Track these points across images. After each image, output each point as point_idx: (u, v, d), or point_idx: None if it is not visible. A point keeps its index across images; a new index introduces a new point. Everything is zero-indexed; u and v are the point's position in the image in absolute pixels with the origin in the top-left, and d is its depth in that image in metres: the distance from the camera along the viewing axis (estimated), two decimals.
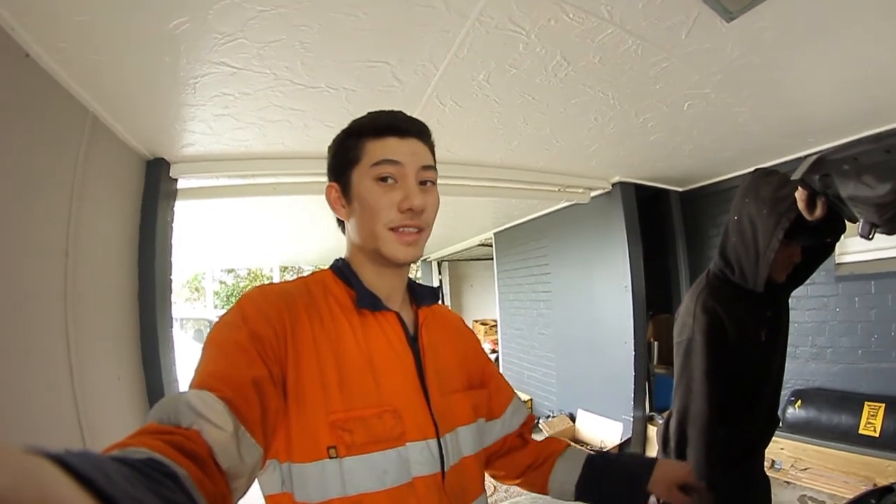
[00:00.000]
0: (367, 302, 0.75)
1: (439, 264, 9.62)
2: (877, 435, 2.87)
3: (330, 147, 0.82)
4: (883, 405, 2.93)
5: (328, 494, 0.63)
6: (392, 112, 0.79)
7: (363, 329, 0.73)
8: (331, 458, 0.64)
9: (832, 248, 1.40)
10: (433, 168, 0.79)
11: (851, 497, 1.27)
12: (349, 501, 0.64)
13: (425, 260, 10.10)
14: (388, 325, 0.76)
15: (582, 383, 4.53)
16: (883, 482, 1.34)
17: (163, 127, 2.17)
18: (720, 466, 1.36)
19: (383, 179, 0.73)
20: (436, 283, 10.24)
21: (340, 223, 0.84)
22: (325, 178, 2.72)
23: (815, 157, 0.95)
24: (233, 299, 13.72)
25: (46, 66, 1.57)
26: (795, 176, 1.01)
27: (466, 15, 1.53)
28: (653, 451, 3.79)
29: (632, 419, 3.83)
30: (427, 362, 0.78)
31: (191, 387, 0.57)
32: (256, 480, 0.63)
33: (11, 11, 1.32)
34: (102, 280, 2.04)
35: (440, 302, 0.90)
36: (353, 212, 0.77)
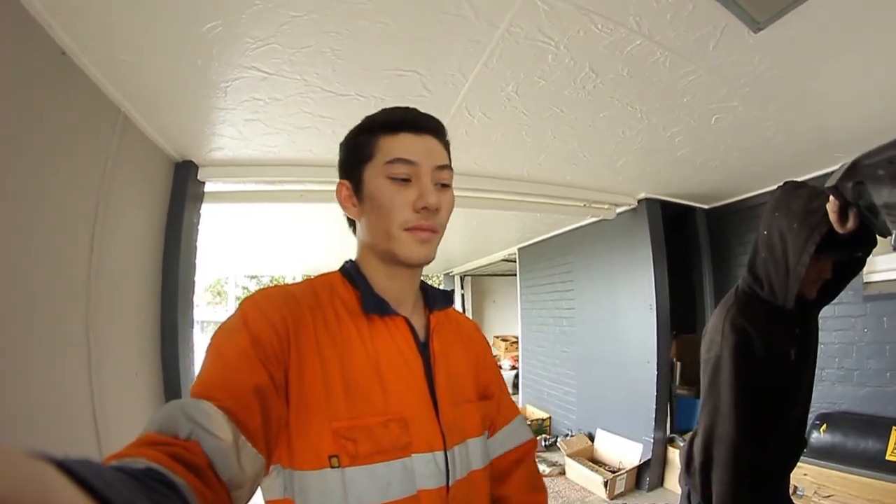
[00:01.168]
0: (374, 306, 0.72)
1: (462, 279, 9.63)
2: None
3: (342, 144, 0.80)
4: None
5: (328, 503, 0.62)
6: (406, 108, 0.76)
7: (371, 334, 0.71)
8: (332, 467, 0.62)
9: (863, 263, 1.36)
10: (448, 167, 0.76)
11: None
12: None
13: (448, 273, 10.13)
14: (396, 330, 0.74)
15: (602, 402, 4.44)
16: None
17: (192, 130, 2.22)
18: (747, 488, 1.31)
19: (398, 178, 0.71)
20: (457, 296, 10.28)
21: (351, 223, 0.81)
22: None
23: (848, 163, 0.92)
24: None
25: (81, 64, 1.61)
26: (829, 183, 0.99)
27: (496, 25, 1.54)
28: (672, 472, 3.69)
29: (652, 440, 3.74)
30: (437, 370, 0.75)
31: (191, 394, 0.57)
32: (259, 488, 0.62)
33: (48, 8, 1.36)
34: (126, 277, 2.08)
35: (453, 306, 0.87)
36: (364, 211, 0.74)
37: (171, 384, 2.32)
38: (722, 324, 1.39)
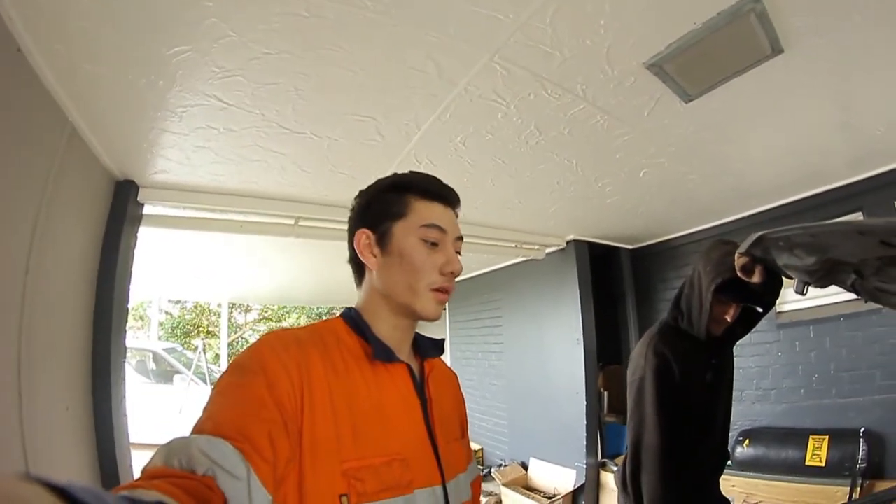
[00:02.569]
0: (382, 354, 0.76)
1: None
2: (823, 465, 3.07)
3: (363, 192, 0.85)
4: (827, 437, 3.15)
5: None
6: (437, 179, 0.85)
7: (375, 379, 0.75)
8: None
9: (772, 307, 1.59)
10: (462, 239, 0.86)
11: None
12: None
13: None
14: (399, 375, 0.79)
15: (534, 432, 4.56)
16: None
17: (140, 149, 2.13)
18: (674, 491, 1.48)
19: (429, 241, 0.78)
20: None
21: (358, 270, 0.86)
22: (290, 220, 2.70)
23: (756, 235, 1.14)
24: (178, 331, 12.92)
25: (36, 66, 1.49)
26: (741, 250, 1.20)
27: (456, 83, 1.67)
28: (605, 495, 3.87)
29: (585, 466, 3.91)
30: (433, 412, 0.81)
31: (201, 431, 0.57)
32: None
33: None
34: (60, 302, 1.93)
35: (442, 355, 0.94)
36: (388, 263, 0.79)
37: (101, 418, 2.15)
38: (646, 350, 1.60)
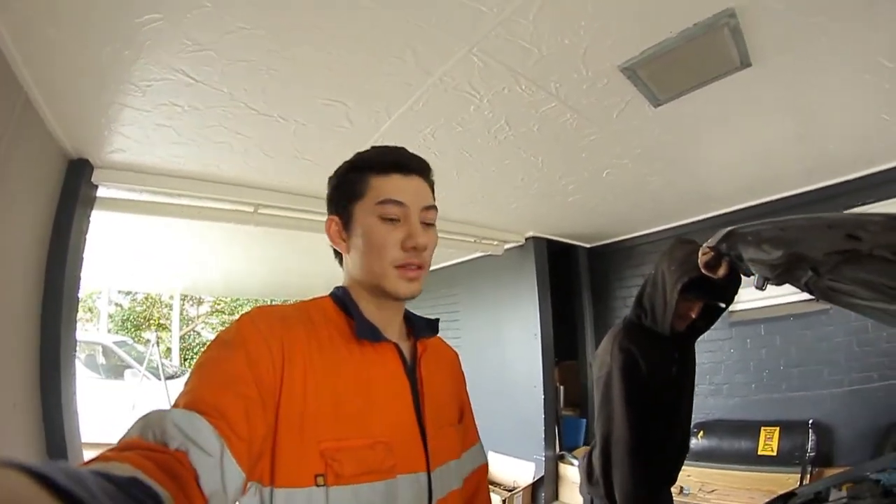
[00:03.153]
0: (367, 333, 0.74)
1: None
2: (775, 454, 3.31)
3: (331, 179, 0.83)
4: (777, 428, 3.40)
5: None
6: (396, 148, 0.80)
7: (362, 359, 0.74)
8: (318, 485, 0.63)
9: (730, 304, 1.68)
10: (434, 208, 0.81)
11: None
12: None
13: None
14: (386, 356, 0.77)
15: (492, 426, 4.62)
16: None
17: (98, 125, 2.00)
18: (644, 484, 1.53)
19: (388, 218, 0.74)
20: None
21: (338, 255, 0.85)
22: (249, 208, 2.61)
23: (726, 230, 1.22)
24: (128, 324, 12.28)
25: None
26: (710, 243, 1.28)
27: (431, 73, 1.69)
28: (564, 487, 4.01)
29: (543, 458, 4.02)
30: (424, 395, 0.78)
31: (179, 404, 0.57)
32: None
33: None
34: (6, 290, 1.80)
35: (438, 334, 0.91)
36: (353, 246, 0.78)
37: (50, 416, 2.03)
38: (611, 346, 1.65)
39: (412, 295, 0.77)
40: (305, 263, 5.16)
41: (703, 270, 1.35)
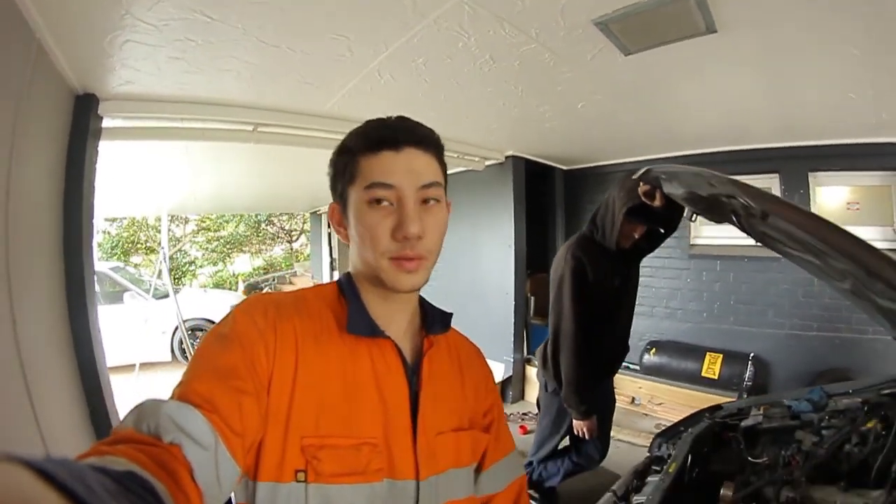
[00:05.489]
0: (361, 327, 0.70)
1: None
2: (716, 377, 3.79)
3: (331, 161, 0.76)
4: (721, 355, 3.86)
5: None
6: (384, 121, 0.71)
7: (356, 354, 0.70)
8: (298, 481, 0.62)
9: (673, 230, 2.00)
10: (436, 184, 0.71)
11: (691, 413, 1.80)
12: None
13: (315, 212, 10.01)
14: (383, 353, 0.72)
15: (466, 329, 4.99)
16: None
17: (108, 62, 2.12)
18: (585, 369, 1.91)
19: (377, 202, 0.67)
20: (324, 236, 9.97)
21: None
22: (250, 127, 2.96)
23: (645, 168, 1.52)
24: (117, 250, 12.31)
25: None
26: (634, 176, 1.58)
27: (426, 15, 1.87)
28: (529, 386, 4.53)
29: (512, 360, 4.49)
30: (424, 397, 0.73)
31: (174, 396, 0.57)
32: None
33: None
34: (36, 224, 1.94)
35: (452, 328, 0.85)
36: (353, 235, 0.72)
37: (80, 339, 2.21)
38: (566, 253, 2.00)
39: (414, 287, 0.71)
40: (293, 177, 5.31)
41: (643, 199, 1.68)
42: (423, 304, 0.82)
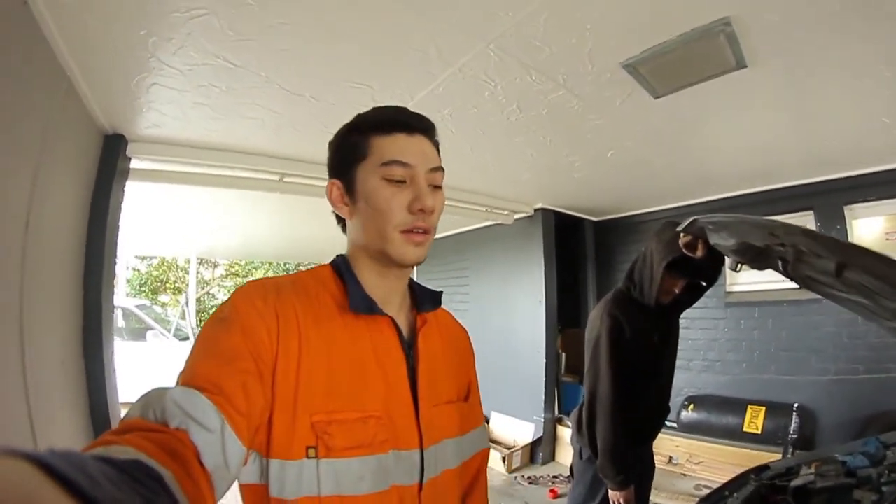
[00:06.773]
0: (360, 305, 0.72)
1: None
2: (759, 432, 3.49)
3: (331, 143, 0.79)
4: (764, 408, 3.57)
5: (301, 493, 0.63)
6: (397, 107, 0.76)
7: (357, 331, 0.72)
8: (309, 458, 0.63)
9: (714, 282, 1.83)
10: (440, 169, 0.77)
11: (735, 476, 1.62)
12: (322, 502, 0.63)
13: None
14: (382, 329, 0.74)
15: (496, 387, 4.85)
16: None
17: (136, 104, 2.17)
18: (622, 437, 1.74)
19: (394, 180, 0.71)
20: None
21: (340, 221, 0.82)
22: (276, 176, 2.77)
23: (692, 218, 1.39)
24: (146, 287, 12.61)
25: (39, 16, 1.46)
26: (679, 228, 1.45)
27: (451, 64, 1.84)
28: (560, 448, 4.28)
29: (543, 420, 4.26)
30: (421, 370, 0.76)
31: (179, 382, 0.57)
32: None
33: None
34: (55, 259, 1.95)
35: (442, 307, 0.89)
36: (357, 211, 0.74)
37: (93, 373, 2.21)
38: (601, 313, 1.85)
39: (418, 261, 0.75)
40: (319, 228, 5.34)
41: (684, 251, 1.53)
42: (412, 284, 0.85)
